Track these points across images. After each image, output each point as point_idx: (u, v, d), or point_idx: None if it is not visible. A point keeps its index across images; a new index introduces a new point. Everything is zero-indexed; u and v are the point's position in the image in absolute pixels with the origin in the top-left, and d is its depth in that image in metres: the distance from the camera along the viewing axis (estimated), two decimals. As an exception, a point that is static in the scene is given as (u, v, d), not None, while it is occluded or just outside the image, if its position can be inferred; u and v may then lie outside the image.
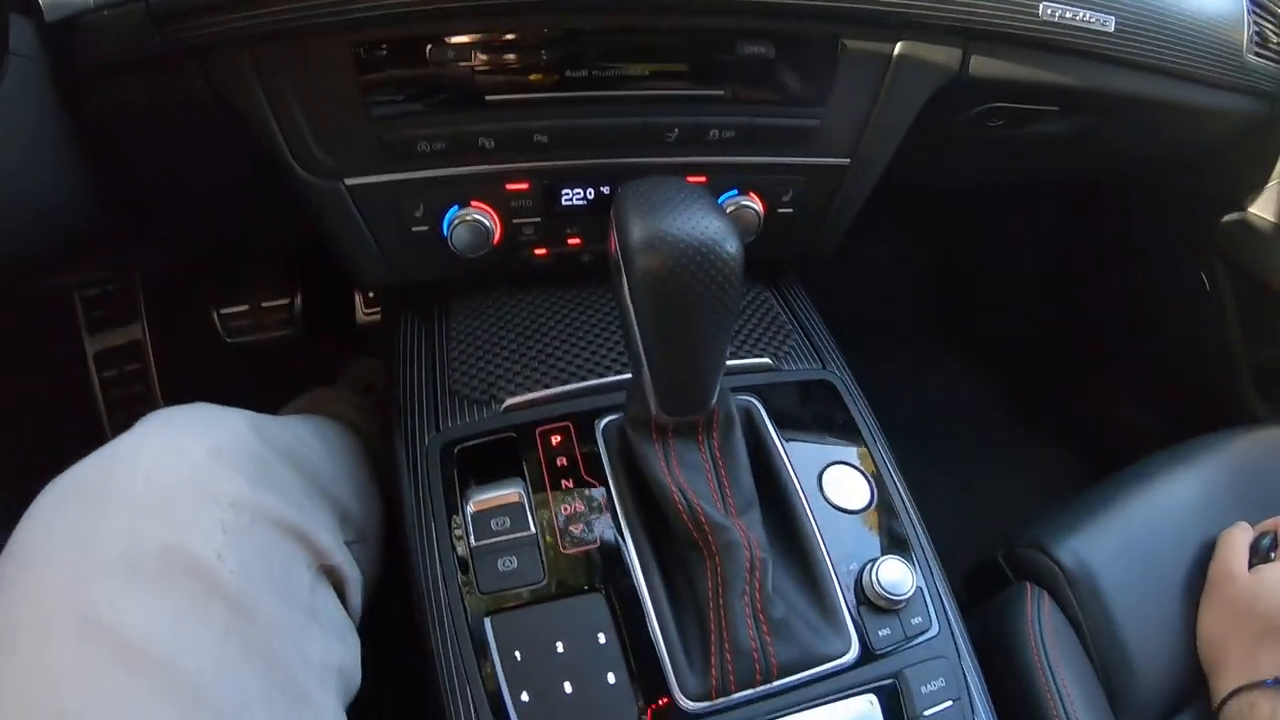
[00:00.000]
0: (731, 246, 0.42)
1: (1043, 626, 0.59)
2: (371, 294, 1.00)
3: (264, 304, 0.95)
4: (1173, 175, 0.98)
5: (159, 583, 0.38)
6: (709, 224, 0.41)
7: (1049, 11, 0.60)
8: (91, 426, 0.95)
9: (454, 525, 0.52)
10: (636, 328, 0.44)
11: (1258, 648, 0.62)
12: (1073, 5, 0.60)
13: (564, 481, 0.53)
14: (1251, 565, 0.65)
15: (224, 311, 0.95)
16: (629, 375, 0.60)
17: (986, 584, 0.67)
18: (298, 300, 0.98)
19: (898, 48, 0.59)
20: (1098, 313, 1.21)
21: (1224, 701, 0.61)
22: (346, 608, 0.51)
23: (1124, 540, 0.65)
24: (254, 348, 0.97)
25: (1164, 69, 0.67)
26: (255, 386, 1.00)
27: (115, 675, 0.36)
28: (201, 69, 0.52)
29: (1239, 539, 0.67)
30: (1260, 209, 0.97)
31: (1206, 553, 0.67)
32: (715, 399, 0.49)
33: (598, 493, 0.53)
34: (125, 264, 0.83)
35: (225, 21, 0.49)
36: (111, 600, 0.37)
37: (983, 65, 0.62)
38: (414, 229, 0.60)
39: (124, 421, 0.94)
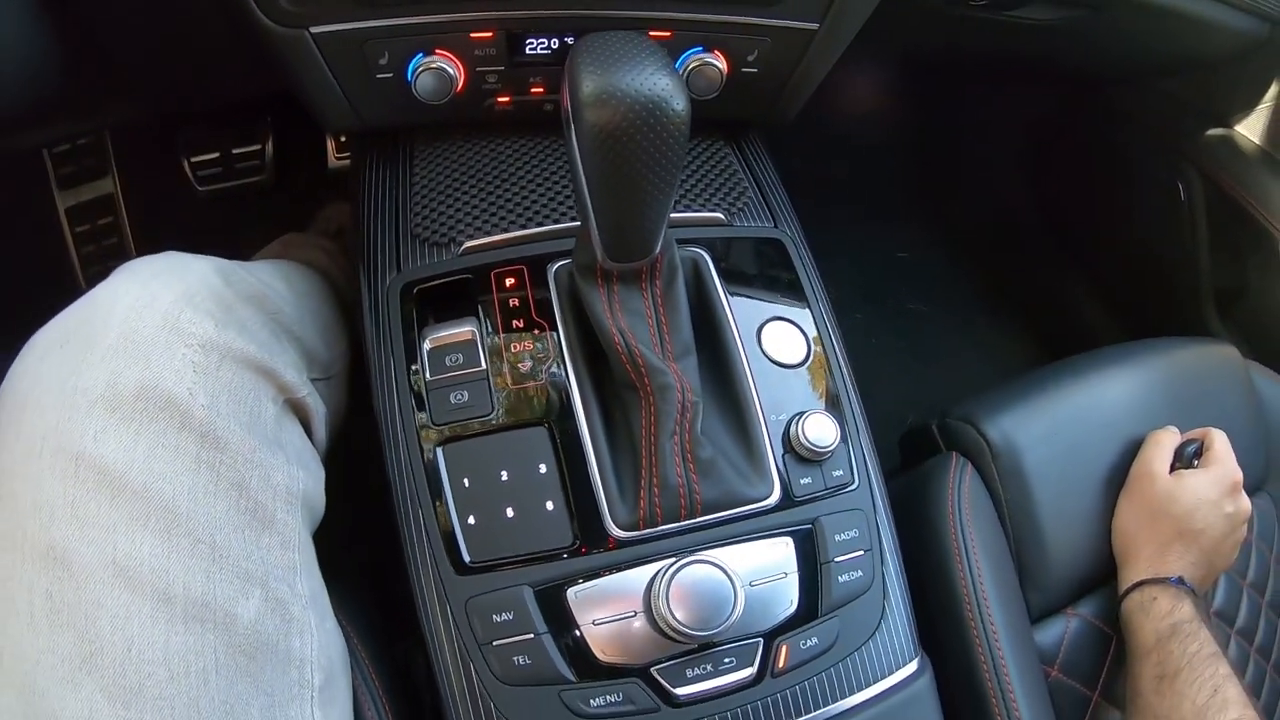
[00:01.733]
0: (679, 104, 0.42)
1: (961, 493, 0.63)
2: (342, 139, 0.99)
3: (235, 151, 0.94)
4: (1162, 82, 0.97)
5: (136, 419, 0.41)
6: (659, 81, 0.42)
7: None
8: (67, 281, 0.96)
9: (411, 361, 0.55)
10: (584, 178, 0.45)
11: (1167, 547, 0.66)
12: None
13: (515, 322, 0.56)
14: (1173, 469, 0.69)
15: (195, 160, 0.94)
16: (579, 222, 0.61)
17: (917, 450, 0.71)
18: (268, 146, 0.97)
19: None
20: (1072, 205, 1.22)
21: (1128, 591, 0.65)
22: (312, 439, 0.54)
23: (1054, 426, 0.68)
24: (226, 195, 0.96)
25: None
26: (228, 234, 1.00)
27: (99, 505, 0.40)
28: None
29: (1165, 441, 0.70)
30: (1247, 130, 0.97)
31: (1132, 451, 0.70)
32: (659, 248, 0.50)
33: (547, 334, 0.55)
34: (93, 121, 0.82)
35: None
36: (95, 436, 0.40)
37: None
38: (379, 76, 0.59)
39: (99, 274, 0.95)
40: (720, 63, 0.62)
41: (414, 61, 0.59)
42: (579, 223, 0.60)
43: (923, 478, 0.65)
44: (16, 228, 0.93)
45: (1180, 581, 0.64)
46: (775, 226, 0.65)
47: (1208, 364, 0.79)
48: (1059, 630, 0.66)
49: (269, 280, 0.57)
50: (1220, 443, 0.70)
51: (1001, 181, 1.31)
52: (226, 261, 0.53)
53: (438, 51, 0.59)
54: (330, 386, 0.62)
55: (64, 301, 0.47)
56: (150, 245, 0.96)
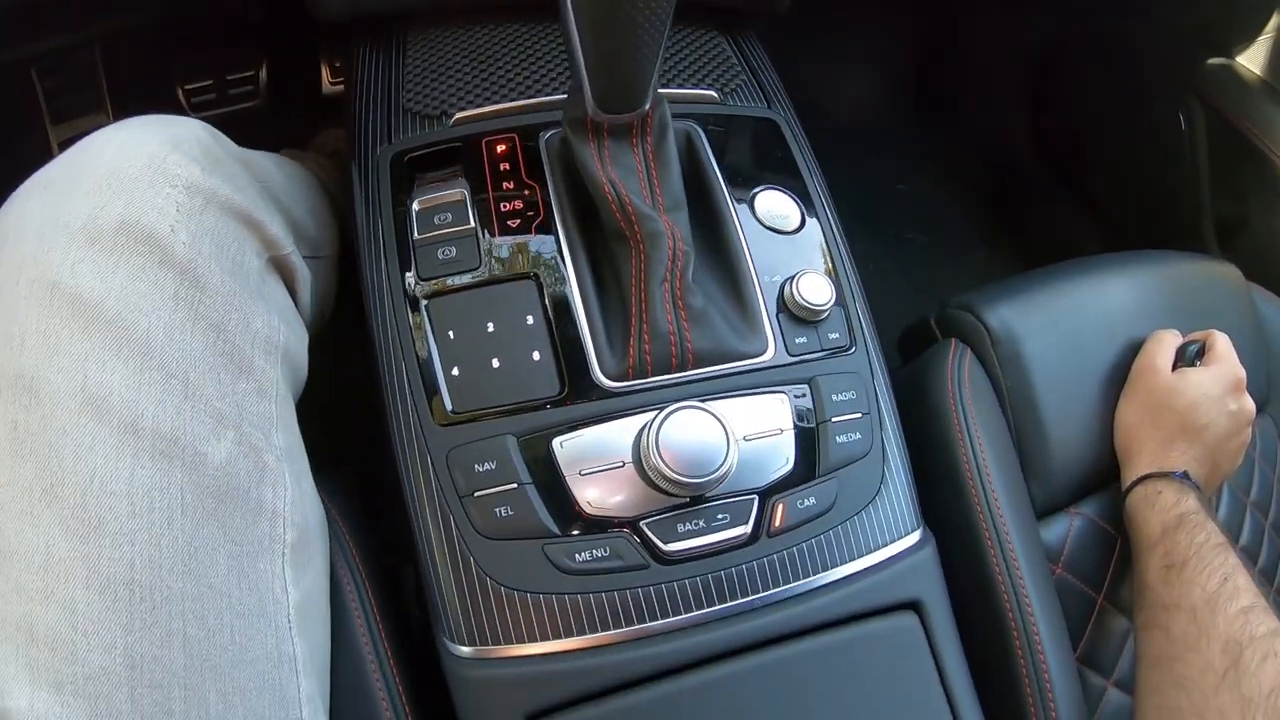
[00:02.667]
0: None
1: (961, 376, 0.61)
2: (337, 64, 0.98)
3: (229, 76, 0.94)
4: (1162, 11, 0.96)
5: (115, 252, 0.40)
6: None
7: None
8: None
9: (400, 222, 0.54)
10: (574, 22, 0.45)
11: (1170, 443, 0.64)
12: None
13: (505, 184, 0.54)
14: (1175, 367, 0.68)
15: (188, 87, 0.94)
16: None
17: (916, 344, 0.69)
18: (262, 72, 0.96)
19: None
20: (1073, 137, 1.21)
21: (1132, 486, 0.64)
22: (296, 303, 0.53)
23: (1054, 318, 0.67)
24: (220, 122, 0.95)
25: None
26: None
27: (72, 333, 0.38)
28: None
29: (1168, 340, 0.69)
30: (1248, 60, 0.96)
31: (1133, 350, 0.69)
32: (650, 101, 0.49)
33: (537, 194, 0.54)
34: (84, 27, 0.81)
35: None
36: (73, 266, 0.39)
37: None
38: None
39: None
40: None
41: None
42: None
43: (922, 365, 0.63)
44: (7, 160, 0.93)
45: (1185, 476, 0.62)
46: (769, 108, 0.64)
47: (1210, 279, 0.78)
48: (1063, 528, 0.64)
49: (260, 160, 0.57)
50: (1223, 343, 0.69)
51: (1002, 113, 1.30)
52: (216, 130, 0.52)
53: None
54: (318, 267, 0.60)
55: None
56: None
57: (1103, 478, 0.67)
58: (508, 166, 0.55)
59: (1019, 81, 1.26)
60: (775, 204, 0.57)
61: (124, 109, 0.95)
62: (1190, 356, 0.68)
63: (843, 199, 0.62)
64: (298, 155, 0.83)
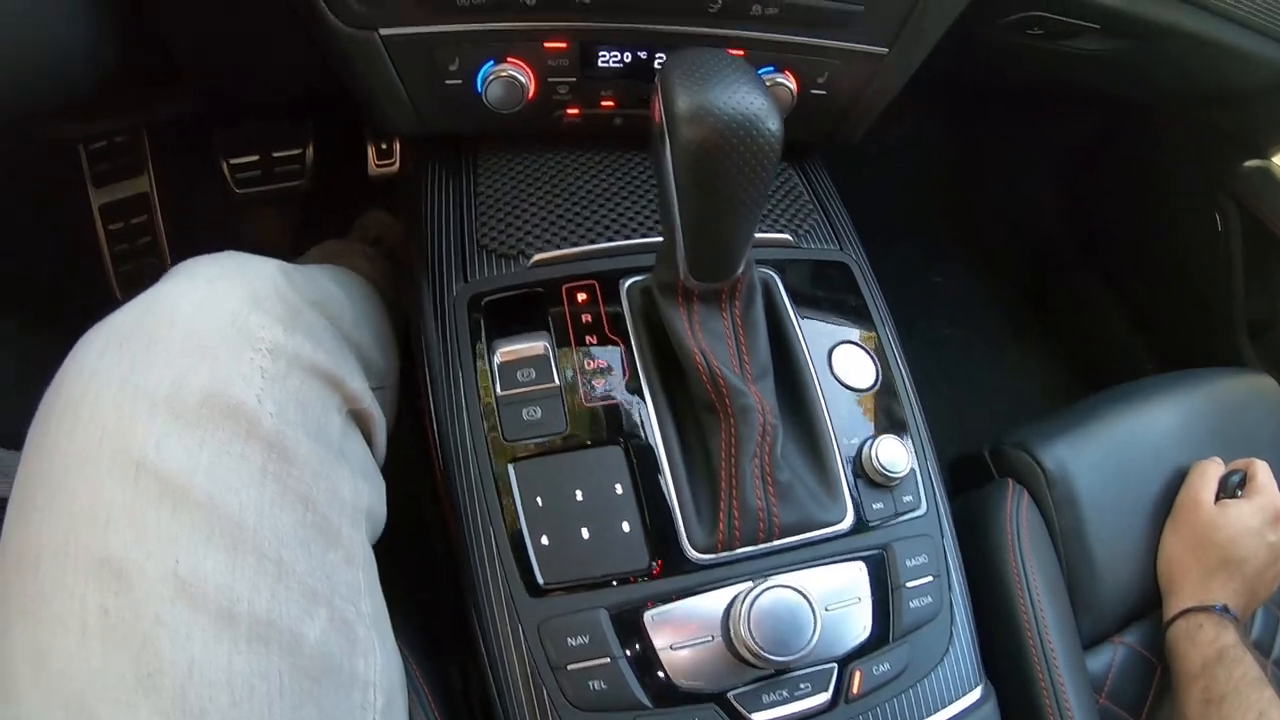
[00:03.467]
0: (773, 124, 0.42)
1: (1019, 520, 0.63)
2: (384, 145, 0.98)
3: (275, 154, 0.93)
4: (1202, 109, 0.97)
5: (201, 426, 0.39)
6: (754, 100, 0.42)
7: None
8: (99, 279, 0.94)
9: (480, 374, 0.54)
10: (675, 194, 0.45)
11: (1212, 576, 0.67)
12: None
13: (588, 338, 0.55)
14: (1218, 499, 0.70)
15: (234, 162, 0.93)
16: (654, 238, 0.61)
17: (969, 475, 0.71)
18: (309, 151, 0.95)
19: None
20: (1108, 232, 1.23)
21: (1174, 619, 0.66)
22: (373, 450, 0.53)
23: (1104, 454, 0.68)
24: (263, 199, 0.95)
25: (1212, 7, 0.67)
26: (264, 238, 0.99)
27: (160, 516, 0.37)
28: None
29: (1211, 471, 0.71)
30: (1284, 161, 0.97)
31: (1179, 480, 0.71)
32: (742, 268, 0.50)
33: (620, 350, 0.55)
34: (140, 114, 0.81)
35: None
36: (158, 443, 0.38)
37: None
38: (448, 82, 0.59)
39: (131, 273, 0.94)
40: (790, 83, 0.62)
41: (485, 69, 0.58)
42: (650, 239, 0.61)
43: (980, 504, 0.65)
44: (50, 223, 0.92)
45: (1224, 610, 0.64)
46: (841, 249, 0.65)
47: (1248, 394, 0.80)
48: (1107, 658, 0.66)
49: (327, 285, 0.56)
50: (1263, 473, 0.71)
51: (1037, 206, 1.30)
52: (286, 264, 0.51)
53: (509, 59, 0.58)
54: (384, 396, 0.60)
55: (97, 299, 0.45)
56: (183, 247, 0.95)
57: (1146, 605, 0.69)
58: (589, 318, 0.56)
59: (1055, 175, 1.27)
60: (852, 361, 0.58)
61: (166, 180, 0.94)
62: (1232, 488, 0.70)
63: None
64: (343, 250, 0.82)
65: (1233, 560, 0.66)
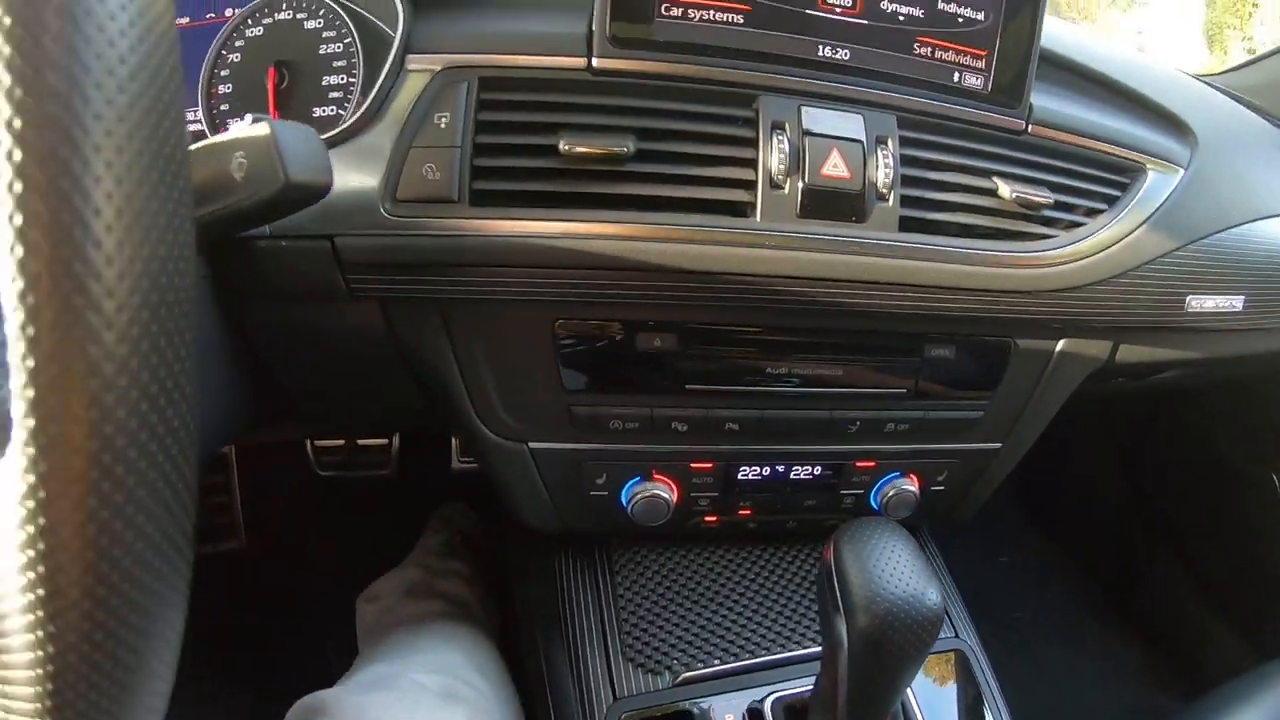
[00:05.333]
0: (934, 598, 0.45)
1: None
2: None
3: (361, 442, 0.93)
4: (1261, 387, 1.02)
5: None
6: (919, 581, 0.45)
7: (1193, 305, 0.64)
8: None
9: None
10: (845, 658, 0.47)
11: None
12: (1208, 294, 0.64)
13: None
14: None
15: (320, 444, 0.93)
16: (796, 651, 0.63)
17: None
18: (395, 441, 0.96)
19: (1060, 345, 0.62)
20: (1172, 503, 1.24)
21: None
22: None
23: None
24: (344, 482, 0.95)
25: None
26: (341, 520, 0.98)
27: None
28: (383, 313, 0.51)
29: None
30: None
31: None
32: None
33: None
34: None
35: (420, 283, 0.49)
36: None
37: (1128, 353, 0.66)
38: (593, 493, 0.61)
39: (200, 530, 0.92)
40: (914, 486, 0.65)
41: (630, 484, 0.61)
42: (794, 652, 0.63)
43: None
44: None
45: None
46: (956, 636, 0.68)
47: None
48: None
49: (455, 666, 0.58)
50: None
51: (1100, 479, 1.34)
52: (423, 679, 0.53)
53: (655, 477, 0.60)
54: None
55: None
56: (258, 513, 0.94)
57: None
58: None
59: (1116, 447, 1.30)
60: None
61: (247, 446, 0.93)
62: None
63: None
64: (438, 569, 0.82)
65: None
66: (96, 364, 0.21)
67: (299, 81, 0.53)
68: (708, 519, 0.64)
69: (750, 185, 0.52)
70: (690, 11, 0.51)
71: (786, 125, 0.52)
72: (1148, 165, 0.62)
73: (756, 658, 0.62)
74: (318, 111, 0.50)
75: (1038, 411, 0.65)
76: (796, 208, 0.52)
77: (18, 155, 0.20)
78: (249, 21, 0.56)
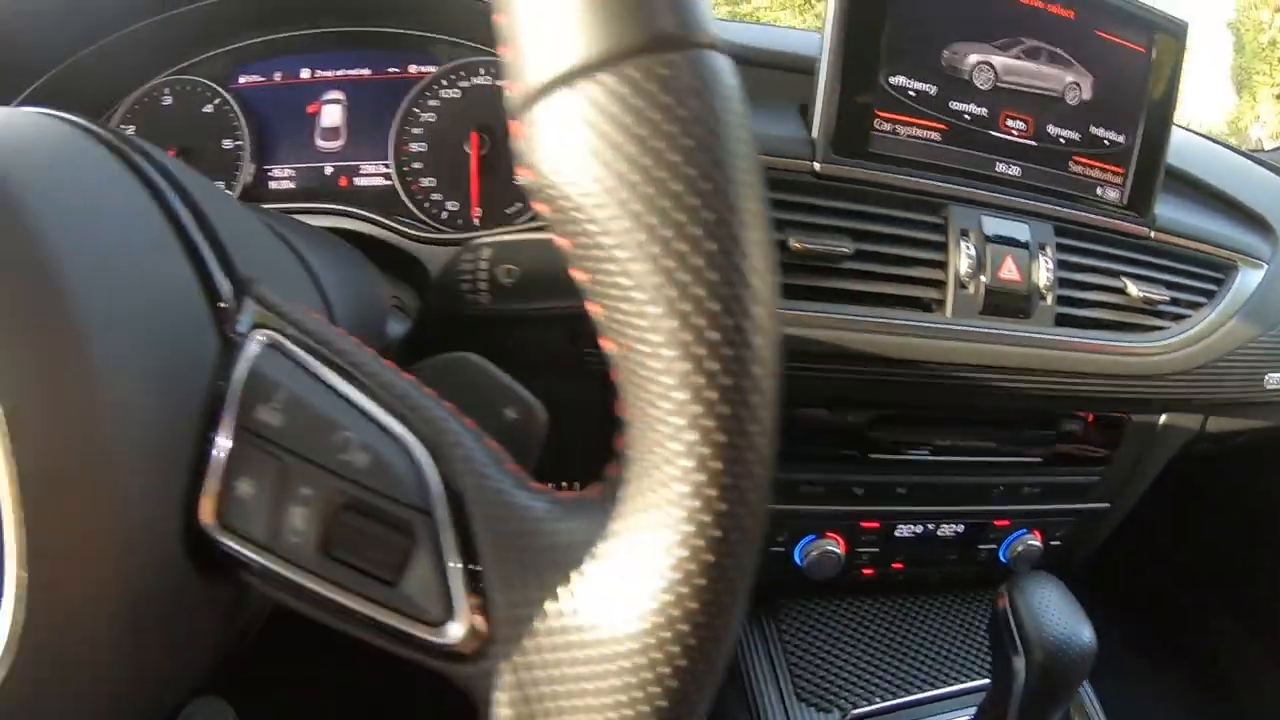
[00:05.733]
0: (1088, 636, 0.53)
1: None
2: None
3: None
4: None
5: None
6: (1075, 623, 0.53)
7: (1271, 381, 0.74)
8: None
9: None
10: (1019, 690, 0.55)
11: None
12: (1282, 371, 0.75)
13: None
14: None
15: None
16: (951, 686, 0.70)
17: None
18: None
19: (1162, 418, 0.72)
20: (1225, 551, 1.21)
21: None
22: None
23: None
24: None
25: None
26: None
27: None
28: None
29: None
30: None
31: None
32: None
33: None
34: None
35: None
36: None
37: (1216, 424, 0.76)
38: (771, 549, 0.67)
39: None
40: (1038, 541, 0.73)
41: (805, 541, 0.67)
42: (948, 688, 0.70)
43: None
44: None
45: None
46: None
47: None
48: None
49: None
50: None
51: (1155, 530, 1.36)
52: None
53: (828, 534, 0.67)
54: None
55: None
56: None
57: None
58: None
59: (1169, 496, 1.32)
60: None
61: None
62: None
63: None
64: None
65: None
66: None
67: (501, 149, 0.57)
68: (865, 571, 0.71)
69: (939, 284, 0.60)
70: (899, 128, 0.59)
71: (970, 232, 0.60)
72: (1238, 262, 0.72)
73: (917, 693, 0.69)
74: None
75: (1142, 476, 0.74)
76: (979, 305, 0.60)
77: None
78: (443, 82, 0.59)
